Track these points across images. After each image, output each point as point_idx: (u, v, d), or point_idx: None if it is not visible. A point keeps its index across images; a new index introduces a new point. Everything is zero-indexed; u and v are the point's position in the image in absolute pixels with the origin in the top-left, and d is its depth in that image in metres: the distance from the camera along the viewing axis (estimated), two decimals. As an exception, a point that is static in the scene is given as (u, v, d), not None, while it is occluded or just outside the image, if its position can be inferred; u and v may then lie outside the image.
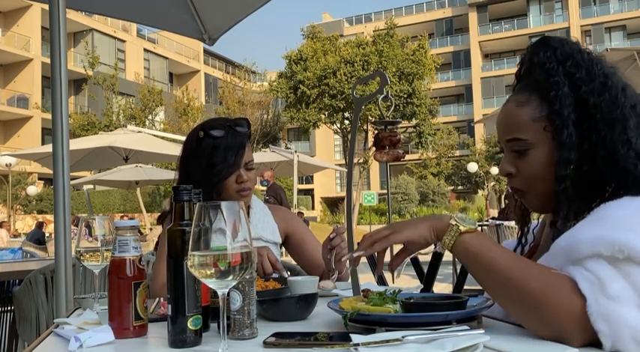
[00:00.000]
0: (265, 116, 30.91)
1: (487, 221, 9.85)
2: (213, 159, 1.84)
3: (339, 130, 29.85)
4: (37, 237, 13.15)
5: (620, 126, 1.08)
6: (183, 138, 2.04)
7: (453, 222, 1.05)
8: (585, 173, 1.09)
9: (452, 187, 37.91)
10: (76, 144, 8.34)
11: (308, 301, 1.23)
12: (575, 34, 39.09)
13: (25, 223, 23.22)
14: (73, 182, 11.28)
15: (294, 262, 2.17)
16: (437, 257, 2.36)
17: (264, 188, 9.63)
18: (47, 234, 13.86)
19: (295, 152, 11.65)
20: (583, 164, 1.09)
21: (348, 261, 1.23)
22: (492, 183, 32.00)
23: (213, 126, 1.87)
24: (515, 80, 1.25)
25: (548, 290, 0.93)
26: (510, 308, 1.00)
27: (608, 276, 0.90)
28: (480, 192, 36.12)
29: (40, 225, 14.42)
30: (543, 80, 1.13)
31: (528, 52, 1.19)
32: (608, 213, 1.00)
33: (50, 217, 19.74)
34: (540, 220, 1.39)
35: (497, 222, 8.19)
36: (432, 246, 1.22)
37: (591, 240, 0.94)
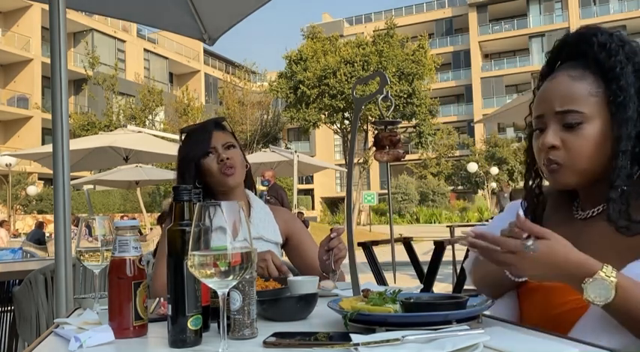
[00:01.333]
0: (265, 116, 30.90)
1: (487, 221, 9.82)
2: (187, 147, 2.00)
3: (339, 130, 29.84)
4: (37, 237, 13.14)
5: None
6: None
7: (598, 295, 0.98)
8: (637, 153, 1.12)
9: (452, 187, 37.93)
10: (76, 144, 8.34)
11: (308, 301, 1.23)
12: (575, 34, 39.06)
13: (25, 223, 23.21)
14: (73, 182, 11.27)
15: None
16: (437, 256, 2.37)
17: (265, 188, 9.62)
18: (47, 234, 13.84)
19: (295, 152, 11.64)
20: (636, 144, 1.12)
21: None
22: (493, 183, 32.02)
23: (189, 127, 2.09)
24: (544, 67, 1.26)
25: None
26: None
27: None
28: (480, 192, 36.13)
29: (40, 225, 14.40)
30: (604, 58, 1.15)
31: (579, 34, 1.21)
32: None
33: (50, 217, 19.73)
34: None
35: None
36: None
37: None
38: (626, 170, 1.11)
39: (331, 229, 1.72)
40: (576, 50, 1.20)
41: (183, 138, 2.05)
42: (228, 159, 1.94)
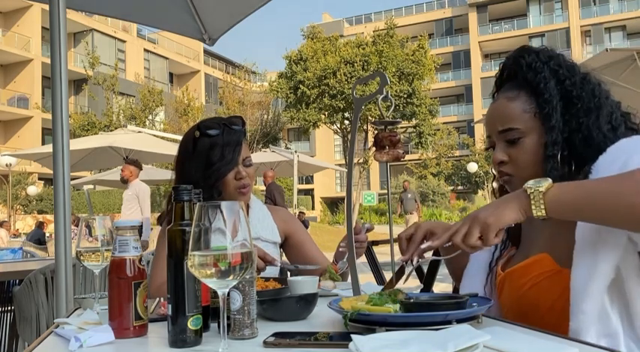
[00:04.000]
0: (265, 116, 30.89)
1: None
2: (210, 158, 1.84)
3: (339, 130, 29.83)
4: (38, 237, 13.15)
5: (595, 114, 1.24)
6: None
7: (531, 190, 1.10)
8: (565, 156, 1.26)
9: (452, 187, 37.90)
10: (76, 144, 8.36)
11: (308, 301, 1.23)
12: (575, 34, 39.09)
13: (25, 223, 23.19)
14: (73, 182, 11.28)
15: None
16: (437, 256, 2.36)
17: (264, 188, 9.67)
18: (47, 234, 13.85)
19: (295, 152, 11.65)
20: (564, 148, 1.25)
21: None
22: (493, 183, 31.93)
23: (209, 126, 1.88)
24: (494, 87, 1.41)
25: None
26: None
27: None
28: (480, 192, 36.12)
29: (40, 225, 14.41)
30: (531, 77, 1.29)
31: (512, 57, 1.37)
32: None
33: (50, 217, 19.73)
34: None
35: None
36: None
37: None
38: (557, 172, 1.23)
39: (363, 224, 1.77)
40: (513, 72, 1.36)
41: (200, 134, 1.87)
42: (246, 177, 1.87)
